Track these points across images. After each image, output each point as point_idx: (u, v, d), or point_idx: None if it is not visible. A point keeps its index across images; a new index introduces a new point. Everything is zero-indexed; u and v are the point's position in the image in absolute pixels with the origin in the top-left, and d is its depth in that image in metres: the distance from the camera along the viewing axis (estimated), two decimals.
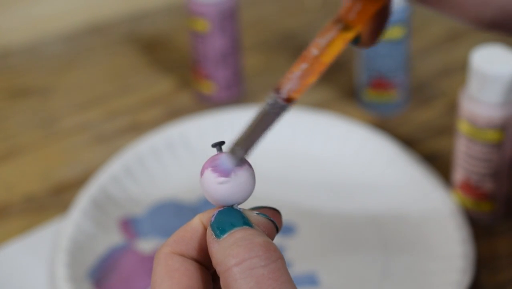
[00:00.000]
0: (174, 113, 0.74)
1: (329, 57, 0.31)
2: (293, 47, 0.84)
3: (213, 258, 0.32)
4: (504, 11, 0.29)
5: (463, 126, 0.59)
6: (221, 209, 0.33)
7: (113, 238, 0.61)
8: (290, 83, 0.32)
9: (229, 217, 0.33)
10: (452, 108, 0.72)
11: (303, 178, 0.66)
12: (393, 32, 0.68)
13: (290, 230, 0.61)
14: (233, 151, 0.33)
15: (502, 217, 0.61)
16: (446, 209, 0.60)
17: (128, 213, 0.63)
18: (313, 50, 0.31)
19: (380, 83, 0.71)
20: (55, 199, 0.65)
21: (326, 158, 0.67)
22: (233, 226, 0.32)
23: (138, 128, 0.72)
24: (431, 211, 0.61)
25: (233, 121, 0.69)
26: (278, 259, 0.31)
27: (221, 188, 0.33)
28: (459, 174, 0.61)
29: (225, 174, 0.33)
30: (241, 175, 0.33)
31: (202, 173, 0.33)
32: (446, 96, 0.75)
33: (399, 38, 0.69)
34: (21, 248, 0.60)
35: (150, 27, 0.88)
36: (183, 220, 0.62)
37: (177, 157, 0.67)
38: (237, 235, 0.32)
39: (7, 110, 0.76)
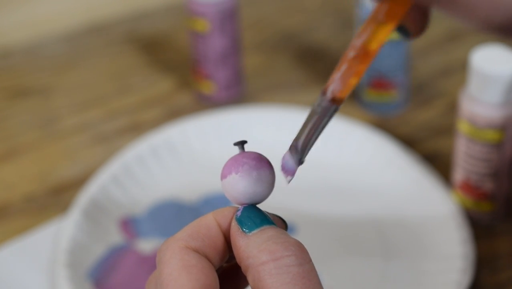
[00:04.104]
0: (174, 113, 0.74)
1: (367, 59, 0.32)
2: (293, 47, 0.84)
3: (241, 251, 0.32)
4: None
5: (463, 126, 0.59)
6: (246, 206, 0.34)
7: (113, 238, 0.61)
8: (333, 85, 0.32)
9: (256, 214, 0.33)
10: (452, 108, 0.72)
11: (302, 178, 0.65)
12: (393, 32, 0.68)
13: (289, 231, 0.61)
14: (292, 151, 0.34)
15: (502, 217, 0.61)
16: (446, 209, 0.60)
17: (128, 213, 0.63)
18: (350, 52, 0.31)
19: (380, 83, 0.72)
20: (55, 199, 0.65)
21: (326, 158, 0.67)
22: (261, 223, 0.33)
23: (138, 128, 0.72)
24: (431, 211, 0.61)
25: (233, 121, 0.69)
26: (310, 261, 0.32)
27: (243, 193, 0.34)
28: (459, 174, 0.61)
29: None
30: (266, 175, 0.34)
31: (227, 174, 0.34)
32: (446, 96, 0.75)
33: (399, 37, 0.69)
34: (21, 248, 0.60)
35: (150, 27, 0.88)
36: (183, 220, 0.62)
37: (177, 157, 0.67)
38: (269, 232, 0.32)
39: (7, 110, 0.76)
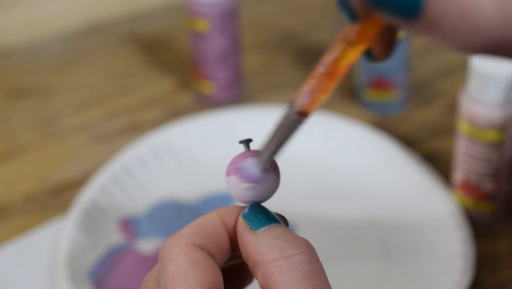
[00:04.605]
0: (174, 113, 0.74)
1: (335, 77, 0.32)
2: (293, 47, 0.84)
3: (249, 248, 0.32)
4: (493, 42, 0.29)
5: (463, 126, 0.59)
6: (252, 203, 0.34)
7: (113, 238, 0.61)
8: (301, 98, 0.33)
9: (263, 212, 0.34)
10: (452, 108, 0.72)
11: (302, 178, 0.66)
12: None
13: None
14: (258, 160, 0.34)
15: (502, 217, 0.61)
16: (446, 209, 0.60)
17: (128, 213, 0.63)
18: (320, 68, 0.32)
19: (380, 83, 0.72)
20: (55, 199, 0.65)
21: (326, 158, 0.67)
22: (269, 221, 0.33)
23: (138, 128, 0.72)
24: (431, 211, 0.61)
25: (233, 121, 0.69)
26: (319, 260, 0.32)
27: (248, 192, 0.34)
28: (459, 174, 0.61)
29: (251, 180, 0.34)
30: (268, 179, 0.34)
31: (228, 174, 0.34)
32: (446, 96, 0.75)
33: (399, 38, 0.69)
34: (21, 248, 0.60)
35: (150, 27, 0.88)
36: (183, 220, 0.62)
37: (177, 157, 0.67)
38: (278, 230, 0.33)
39: (7, 110, 0.76)
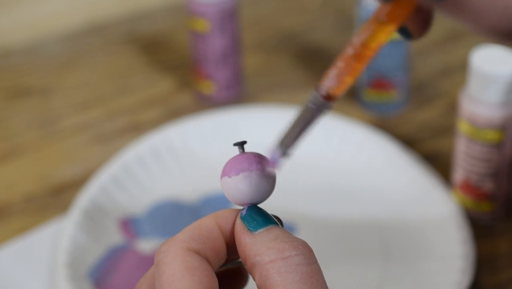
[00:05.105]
0: (174, 113, 0.74)
1: (364, 58, 0.31)
2: (293, 47, 0.84)
3: (247, 249, 0.32)
4: None
5: (463, 126, 0.59)
6: (249, 205, 0.34)
7: (113, 238, 0.61)
8: (328, 81, 0.32)
9: (261, 213, 0.34)
10: (452, 108, 0.72)
11: (302, 178, 0.66)
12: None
13: (289, 231, 0.61)
14: (279, 145, 0.34)
15: (502, 217, 0.61)
16: (446, 209, 0.60)
17: (128, 213, 0.63)
18: (349, 50, 0.31)
19: (380, 83, 0.72)
20: (55, 199, 0.65)
21: (326, 158, 0.67)
22: (267, 222, 0.33)
23: (138, 128, 0.72)
24: (431, 211, 0.61)
25: (233, 121, 0.69)
26: (317, 261, 0.32)
27: (244, 189, 0.33)
28: (459, 174, 0.61)
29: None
30: (267, 175, 0.34)
31: (229, 175, 0.34)
32: (446, 96, 0.75)
33: (399, 38, 0.69)
34: (21, 248, 0.60)
35: (150, 27, 0.88)
36: (183, 220, 0.62)
37: (177, 157, 0.67)
38: (276, 231, 0.33)
39: (7, 110, 0.76)
